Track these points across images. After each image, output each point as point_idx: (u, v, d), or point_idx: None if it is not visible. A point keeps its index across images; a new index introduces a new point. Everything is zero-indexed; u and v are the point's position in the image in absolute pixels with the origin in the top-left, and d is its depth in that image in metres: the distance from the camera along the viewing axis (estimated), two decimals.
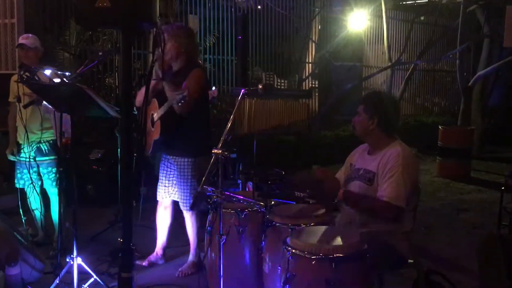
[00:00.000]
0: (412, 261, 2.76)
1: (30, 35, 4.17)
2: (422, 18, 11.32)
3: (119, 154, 4.35)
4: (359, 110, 2.87)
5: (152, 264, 3.90)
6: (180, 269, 3.75)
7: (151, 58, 6.41)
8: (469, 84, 9.08)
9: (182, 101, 3.27)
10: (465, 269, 3.89)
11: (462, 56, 9.25)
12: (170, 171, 3.80)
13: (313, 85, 9.81)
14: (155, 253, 3.96)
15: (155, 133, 3.66)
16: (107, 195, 5.46)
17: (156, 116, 3.66)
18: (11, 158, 4.24)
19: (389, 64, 9.76)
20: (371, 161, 2.80)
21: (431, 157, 8.54)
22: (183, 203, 3.69)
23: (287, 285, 2.33)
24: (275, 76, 9.20)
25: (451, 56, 10.26)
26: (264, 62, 8.96)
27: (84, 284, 3.28)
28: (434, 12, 10.24)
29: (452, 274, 3.31)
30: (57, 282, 3.25)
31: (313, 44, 9.76)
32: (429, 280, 2.90)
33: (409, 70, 10.51)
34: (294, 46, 9.50)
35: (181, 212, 3.81)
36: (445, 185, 7.11)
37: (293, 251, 2.35)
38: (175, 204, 3.87)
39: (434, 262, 4.03)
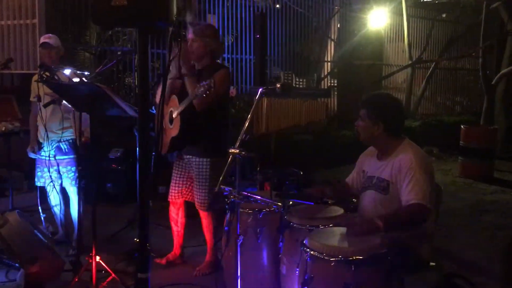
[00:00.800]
0: (433, 264, 2.70)
1: (53, 35, 4.21)
2: (443, 15, 11.14)
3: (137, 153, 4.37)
4: (362, 114, 2.73)
5: (170, 263, 3.90)
6: (197, 269, 3.75)
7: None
8: (492, 82, 8.90)
9: (207, 92, 3.22)
10: (487, 272, 3.82)
11: (485, 54, 9.06)
12: (185, 172, 3.77)
13: (332, 84, 9.74)
14: (173, 252, 3.96)
15: (173, 130, 3.61)
16: (126, 193, 5.51)
17: (175, 112, 3.61)
18: (32, 155, 4.29)
19: (410, 62, 9.63)
20: (382, 168, 2.69)
21: (453, 157, 8.40)
22: (200, 203, 3.67)
23: (305, 287, 2.30)
24: (293, 75, 9.16)
25: (473, 54, 10.07)
26: (282, 61, 8.93)
27: (103, 283, 3.30)
28: (456, 10, 10.07)
29: (474, 276, 3.25)
30: (76, 280, 3.28)
31: (332, 42, 9.69)
32: (451, 283, 2.84)
33: (430, 69, 10.35)
34: (313, 45, 9.44)
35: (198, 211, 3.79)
36: (467, 186, 6.97)
37: (312, 252, 2.31)
38: (187, 203, 3.85)
39: (456, 264, 3.96)
